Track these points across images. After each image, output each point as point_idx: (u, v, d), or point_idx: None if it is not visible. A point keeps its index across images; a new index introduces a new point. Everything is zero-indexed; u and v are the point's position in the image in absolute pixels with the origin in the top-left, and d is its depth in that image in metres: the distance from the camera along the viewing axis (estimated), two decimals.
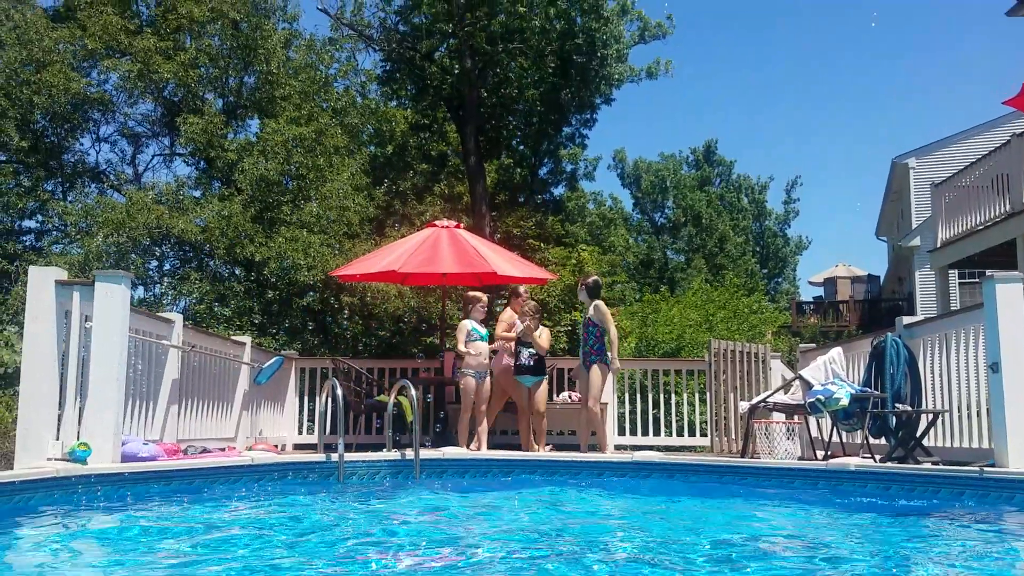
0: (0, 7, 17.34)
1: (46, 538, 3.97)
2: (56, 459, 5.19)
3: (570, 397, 9.20)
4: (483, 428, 7.93)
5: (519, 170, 23.23)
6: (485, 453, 7.52)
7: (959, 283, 19.83)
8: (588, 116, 22.52)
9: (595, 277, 8.18)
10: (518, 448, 8.09)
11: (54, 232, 18.29)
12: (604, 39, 19.88)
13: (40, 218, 18.42)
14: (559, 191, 25.10)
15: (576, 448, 8.06)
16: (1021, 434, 5.38)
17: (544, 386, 8.13)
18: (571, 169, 25.22)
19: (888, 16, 60.13)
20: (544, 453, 7.72)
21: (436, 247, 8.94)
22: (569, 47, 20.00)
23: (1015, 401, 5.42)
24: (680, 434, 9.73)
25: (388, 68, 21.88)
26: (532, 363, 8.00)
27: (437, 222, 9.77)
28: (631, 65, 21.53)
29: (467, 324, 7.97)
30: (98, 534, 4.19)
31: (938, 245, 14.15)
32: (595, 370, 7.71)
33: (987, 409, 5.86)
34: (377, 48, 21.24)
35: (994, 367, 5.52)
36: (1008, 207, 11.96)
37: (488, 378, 7.98)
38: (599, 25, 19.64)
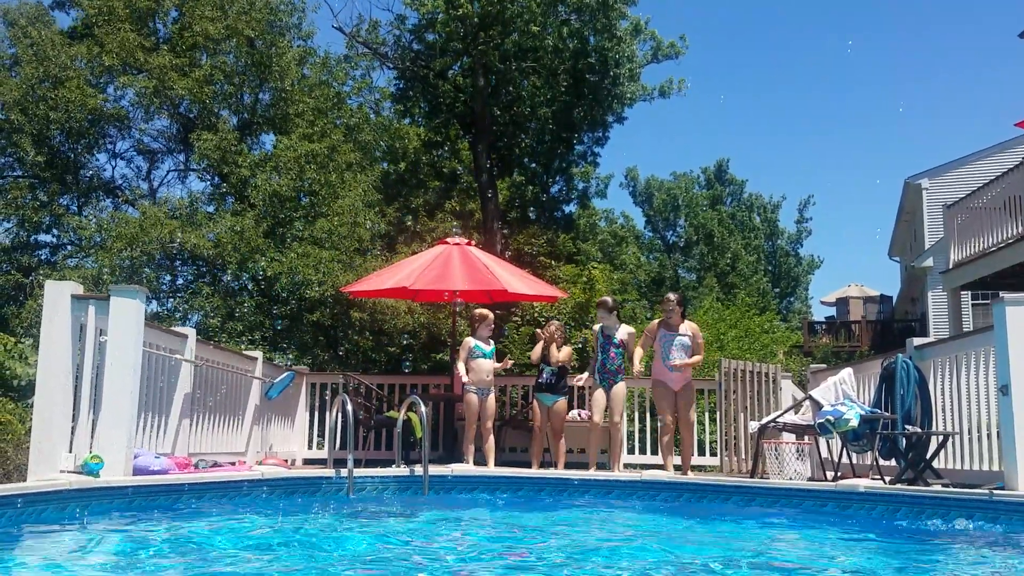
0: (18, 24, 17.62)
1: (58, 550, 4.01)
2: (69, 471, 5.23)
3: (579, 415, 9.19)
4: (490, 445, 7.94)
5: (531, 187, 23.32)
6: (493, 470, 7.52)
7: (972, 304, 19.72)
8: (600, 134, 22.59)
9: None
10: (527, 466, 8.08)
11: (69, 246, 18.49)
12: (617, 58, 19.98)
13: (55, 232, 18.64)
14: (571, 209, 25.17)
15: (582, 466, 8.06)
16: None
17: (563, 405, 8.14)
18: (583, 187, 25.30)
19: (902, 37, 60.19)
20: (553, 471, 7.72)
21: (447, 264, 8.98)
22: (582, 66, 20.11)
23: None
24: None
25: (402, 86, 22.06)
26: (552, 381, 8.03)
27: (448, 239, 9.81)
28: (644, 84, 21.61)
29: (470, 341, 8.00)
30: (109, 547, 4.22)
31: (950, 266, 14.11)
32: (624, 388, 7.89)
33: (997, 432, 5.83)
34: (391, 66, 21.43)
35: (1004, 390, 5.51)
36: (1021, 229, 11.93)
37: (492, 394, 7.99)
38: (612, 45, 19.76)
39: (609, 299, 8.14)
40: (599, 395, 7.83)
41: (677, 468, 8.14)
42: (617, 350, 7.88)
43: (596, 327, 8.08)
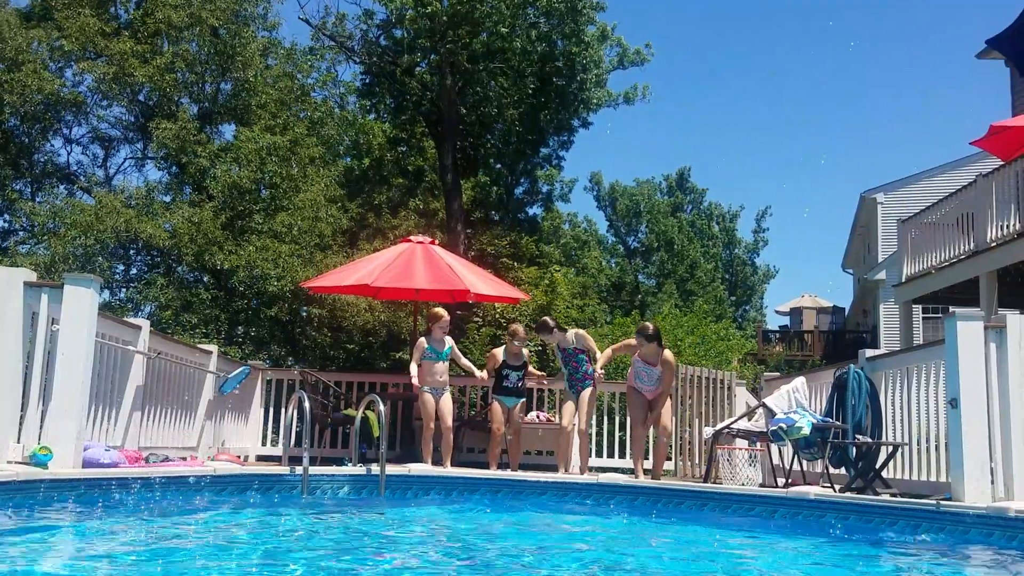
0: None
1: (2, 543, 3.90)
2: (17, 462, 5.11)
3: (538, 417, 9.22)
4: (448, 445, 7.91)
5: (495, 188, 23.32)
6: (451, 471, 7.50)
7: (923, 318, 20.17)
8: (566, 138, 22.71)
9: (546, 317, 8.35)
10: (484, 466, 8.08)
11: (21, 232, 18.05)
12: (584, 63, 20.09)
13: (7, 217, 18.20)
14: (534, 211, 25.24)
15: (540, 468, 8.08)
16: (977, 469, 5.49)
17: (523, 406, 8.17)
18: (547, 190, 25.41)
19: (863, 52, 61.37)
20: (510, 473, 7.72)
21: (410, 262, 8.94)
22: (549, 69, 20.18)
23: (972, 437, 5.53)
24: (645, 457, 9.76)
25: (368, 81, 21.90)
26: (518, 384, 8.06)
27: (412, 237, 9.77)
28: (609, 90, 21.77)
29: (422, 343, 7.94)
30: (56, 540, 4.13)
31: (903, 280, 14.41)
32: (590, 392, 7.85)
33: (945, 443, 5.97)
34: (357, 60, 21.27)
35: (953, 403, 5.64)
36: (972, 245, 12.23)
37: (447, 394, 7.96)
38: (579, 50, 19.86)
39: (548, 319, 8.15)
40: (568, 403, 7.87)
41: (648, 472, 8.16)
42: (578, 357, 7.89)
43: (554, 347, 8.16)
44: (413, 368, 7.87)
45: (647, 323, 8.07)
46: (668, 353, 7.79)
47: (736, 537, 5.44)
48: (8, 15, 16.87)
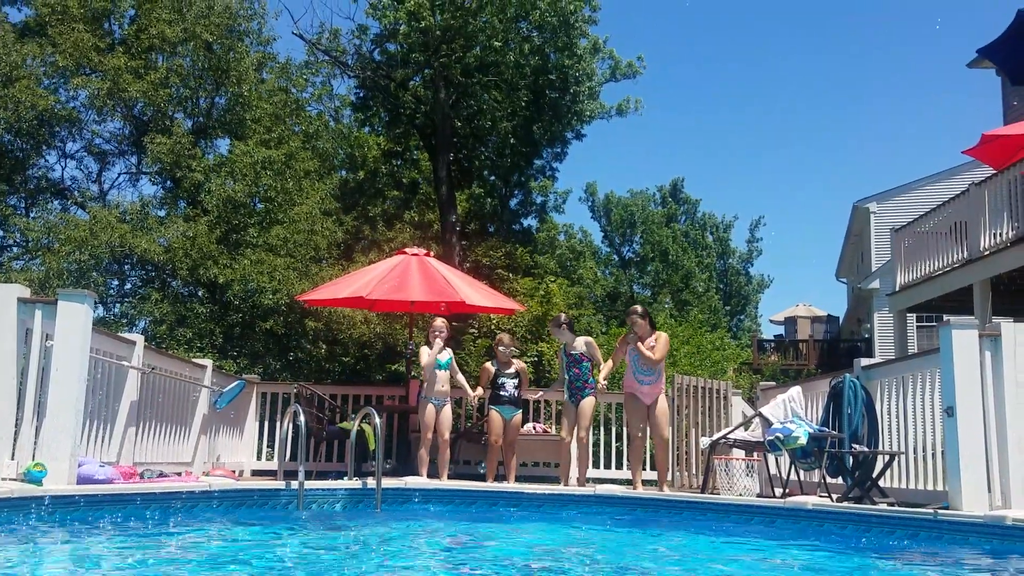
0: None
1: None
2: (10, 479, 5.08)
3: (534, 428, 9.20)
4: (444, 458, 7.89)
5: (490, 200, 23.36)
6: (448, 483, 7.48)
7: (917, 326, 20.21)
8: (559, 150, 22.78)
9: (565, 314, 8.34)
10: (479, 478, 8.05)
11: (15, 248, 18.01)
12: (576, 76, 20.18)
13: (1, 233, 18.14)
14: (529, 222, 25.28)
15: (537, 479, 8.06)
16: (974, 477, 5.50)
17: (520, 418, 8.15)
18: (540, 201, 25.44)
19: (856, 61, 61.72)
20: (508, 485, 7.70)
21: (405, 274, 8.94)
22: (542, 82, 20.26)
23: (969, 445, 5.54)
24: (644, 468, 9.75)
25: (362, 95, 21.96)
26: (515, 395, 8.04)
27: (407, 249, 9.77)
28: (602, 102, 21.85)
29: (425, 351, 7.95)
30: (51, 557, 4.10)
31: (897, 289, 14.44)
32: (591, 402, 7.81)
33: (941, 452, 5.97)
34: (351, 75, 21.33)
35: (949, 411, 5.65)
36: (965, 254, 12.27)
37: (448, 405, 7.95)
38: (572, 62, 19.94)
39: (562, 315, 8.15)
40: (568, 412, 7.84)
41: (650, 483, 8.13)
42: (582, 365, 7.86)
43: (558, 350, 8.13)
44: (426, 356, 7.83)
45: (636, 305, 8.10)
46: (661, 332, 7.87)
47: (734, 548, 5.43)
48: (4, 31, 16.88)
